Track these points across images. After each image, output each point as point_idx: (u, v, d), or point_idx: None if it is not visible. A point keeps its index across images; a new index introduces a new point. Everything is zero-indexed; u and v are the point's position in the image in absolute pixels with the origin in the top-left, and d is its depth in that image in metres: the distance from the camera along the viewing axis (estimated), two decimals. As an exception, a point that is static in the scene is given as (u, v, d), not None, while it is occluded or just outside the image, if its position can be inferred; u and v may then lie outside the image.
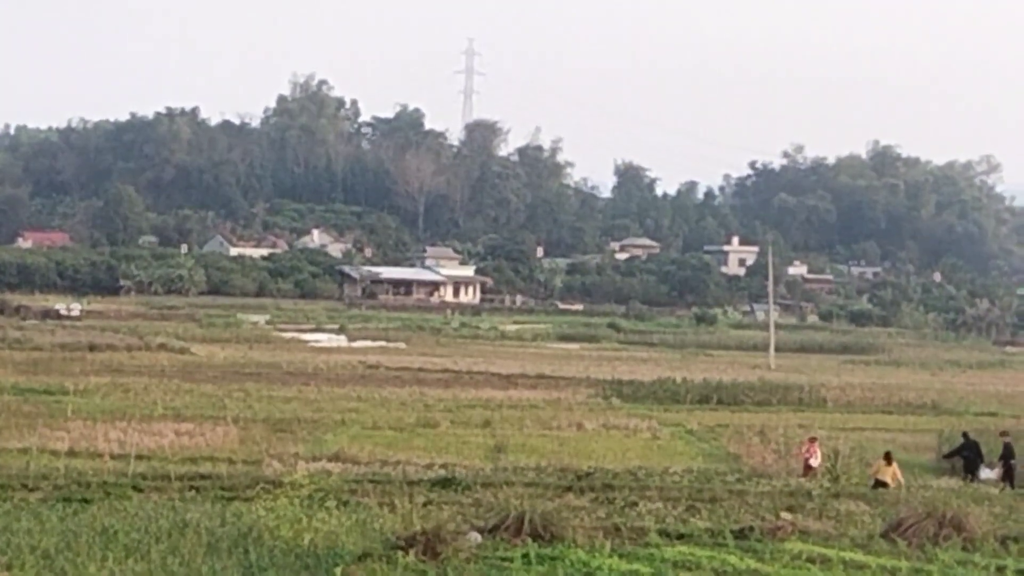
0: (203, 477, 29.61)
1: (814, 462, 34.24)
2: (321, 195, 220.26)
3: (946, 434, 45.58)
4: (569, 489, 28.37)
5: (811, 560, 20.30)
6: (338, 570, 19.02)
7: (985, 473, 35.39)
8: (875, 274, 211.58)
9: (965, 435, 38.52)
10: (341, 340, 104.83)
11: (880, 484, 32.31)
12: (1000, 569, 20.10)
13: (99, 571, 19.70)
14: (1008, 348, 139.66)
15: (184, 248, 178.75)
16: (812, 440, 36.66)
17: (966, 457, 36.50)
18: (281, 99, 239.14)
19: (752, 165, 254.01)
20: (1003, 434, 39.62)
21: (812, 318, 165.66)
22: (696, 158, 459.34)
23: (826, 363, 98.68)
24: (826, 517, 25.01)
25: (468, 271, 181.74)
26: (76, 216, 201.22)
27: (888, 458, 33.89)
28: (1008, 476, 35.57)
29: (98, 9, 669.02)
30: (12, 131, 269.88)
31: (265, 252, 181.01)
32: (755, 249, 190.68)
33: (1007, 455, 36.61)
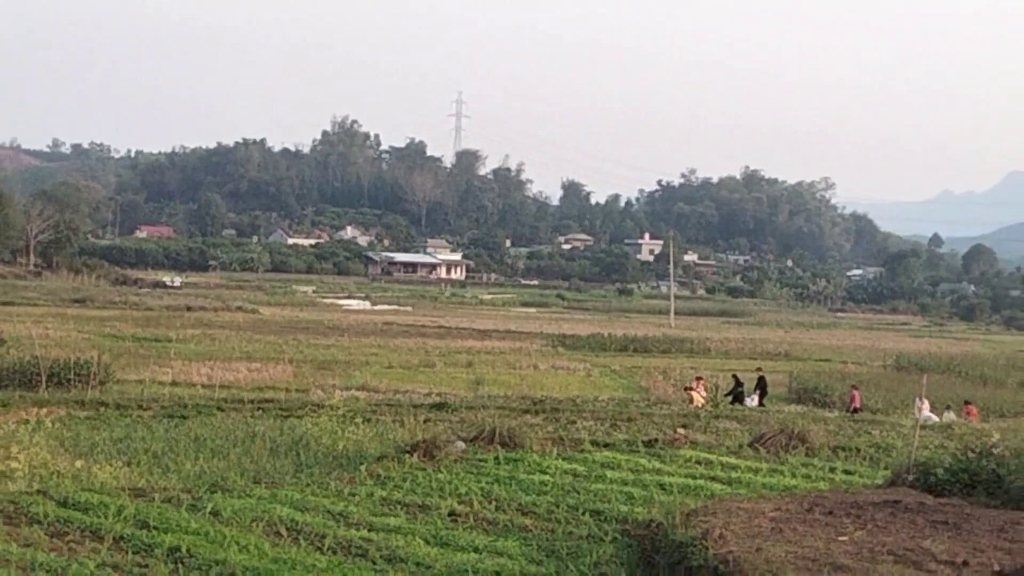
0: (267, 401, 29.53)
1: (697, 393, 34.03)
2: (352, 202, 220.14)
3: (796, 374, 45.79)
4: (527, 411, 28.37)
5: (699, 462, 20.35)
6: (363, 467, 18.99)
7: (748, 402, 35.20)
8: (745, 261, 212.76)
9: (735, 376, 37.71)
10: (366, 304, 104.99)
11: (688, 392, 32.65)
12: (832, 469, 20.23)
13: (193, 467, 19.68)
14: (839, 314, 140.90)
15: (255, 239, 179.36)
16: (698, 379, 36.64)
17: (738, 392, 36.08)
18: (325, 133, 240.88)
19: (659, 183, 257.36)
20: (758, 370, 39.71)
21: (701, 291, 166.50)
22: (619, 177, 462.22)
23: (710, 323, 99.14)
24: (709, 432, 25.06)
25: (457, 256, 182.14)
26: (178, 215, 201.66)
27: (691, 386, 34.08)
28: (761, 399, 35.61)
29: (194, 68, 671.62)
30: (132, 154, 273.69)
31: (312, 242, 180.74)
32: (660, 242, 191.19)
33: (761, 384, 36.64)
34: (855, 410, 33.76)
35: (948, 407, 34.13)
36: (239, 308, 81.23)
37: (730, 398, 35.56)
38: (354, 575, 12.22)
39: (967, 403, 34.44)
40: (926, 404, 31.53)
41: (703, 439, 23.40)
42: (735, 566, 10.49)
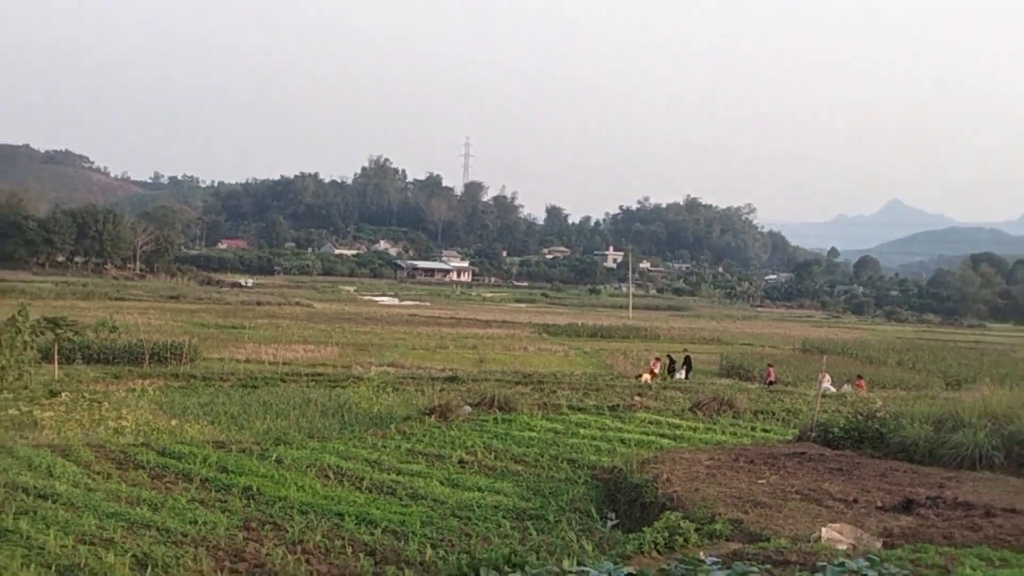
0: (319, 375, 29.54)
1: (646, 374, 33.93)
2: (385, 221, 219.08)
3: (725, 355, 45.80)
4: (519, 383, 28.43)
5: (650, 423, 20.44)
6: (392, 425, 19.04)
7: (677, 376, 35.11)
8: (687, 268, 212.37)
9: (669, 356, 37.89)
10: (395, 301, 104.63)
11: (640, 378, 32.48)
12: (753, 428, 20.29)
13: (261, 425, 19.73)
14: (758, 309, 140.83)
15: (309, 250, 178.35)
16: (656, 359, 36.66)
17: (671, 369, 36.15)
18: (364, 168, 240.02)
19: (620, 207, 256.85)
20: (684, 350, 39.77)
21: (652, 291, 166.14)
22: (590, 203, 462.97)
23: (660, 316, 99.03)
24: (659, 400, 25.14)
25: (465, 264, 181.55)
26: (250, 232, 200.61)
27: (641, 373, 33.85)
28: (687, 374, 35.54)
29: (264, 117, 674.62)
30: (216, 184, 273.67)
31: (354, 252, 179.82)
32: (621, 253, 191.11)
33: (687, 362, 36.73)
34: (771, 383, 33.83)
35: (847, 381, 34.21)
36: (297, 303, 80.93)
37: (668, 373, 35.76)
38: (386, 508, 12.30)
39: (858, 377, 34.48)
40: (827, 378, 31.61)
41: (654, 405, 23.48)
42: (678, 502, 10.58)
